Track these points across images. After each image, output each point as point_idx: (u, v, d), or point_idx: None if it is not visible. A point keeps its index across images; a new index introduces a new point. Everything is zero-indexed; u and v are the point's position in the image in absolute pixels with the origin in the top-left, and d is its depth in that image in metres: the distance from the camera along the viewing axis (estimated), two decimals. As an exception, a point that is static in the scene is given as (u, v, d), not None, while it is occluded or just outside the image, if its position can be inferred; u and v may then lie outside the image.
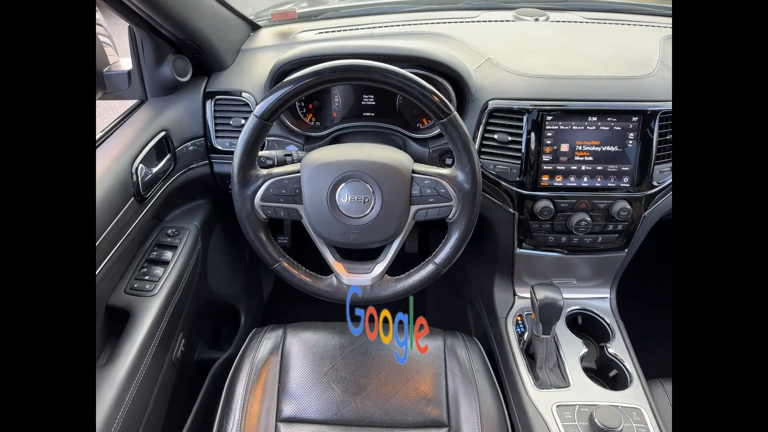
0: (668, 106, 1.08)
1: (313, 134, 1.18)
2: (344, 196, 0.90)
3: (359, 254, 1.02)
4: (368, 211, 0.91)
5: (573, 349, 1.11)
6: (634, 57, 1.16)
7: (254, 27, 1.39)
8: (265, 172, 0.92)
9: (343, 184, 0.90)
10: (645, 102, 1.07)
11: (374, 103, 1.19)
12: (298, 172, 0.91)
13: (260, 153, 1.00)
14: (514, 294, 1.26)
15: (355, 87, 1.18)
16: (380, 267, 0.97)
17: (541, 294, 1.06)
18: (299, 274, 0.97)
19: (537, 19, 1.37)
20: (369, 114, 1.20)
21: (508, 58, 1.16)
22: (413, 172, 0.92)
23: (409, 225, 0.94)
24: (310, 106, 1.19)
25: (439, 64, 1.08)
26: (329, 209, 0.91)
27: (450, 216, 0.93)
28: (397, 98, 1.18)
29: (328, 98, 1.19)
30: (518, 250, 1.20)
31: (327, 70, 0.84)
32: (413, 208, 0.93)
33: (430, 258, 0.97)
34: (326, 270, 0.99)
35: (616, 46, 1.22)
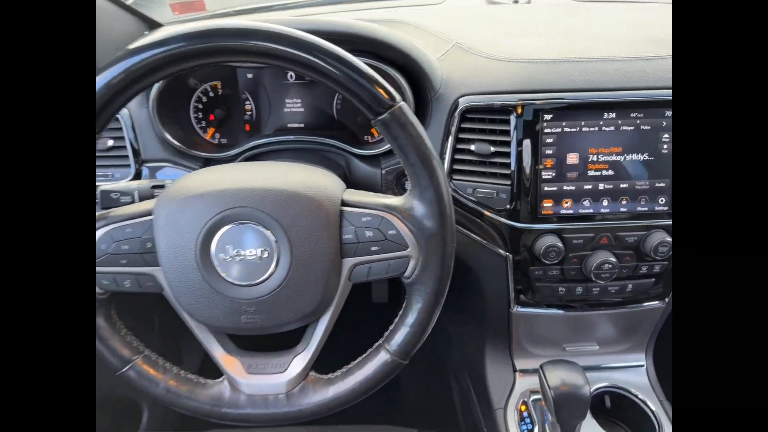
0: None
1: (216, 156, 0.83)
2: (226, 251, 0.54)
3: (268, 340, 0.65)
4: (268, 274, 0.55)
5: None
6: (654, 34, 0.85)
7: (152, 24, 1.06)
8: (100, 214, 0.57)
9: (224, 230, 0.55)
10: (682, 89, 0.75)
11: (302, 109, 0.85)
12: (150, 213, 0.56)
13: (108, 186, 0.64)
14: (515, 370, 0.90)
15: (274, 88, 0.84)
16: (301, 361, 0.61)
17: (556, 378, 0.70)
18: (165, 379, 0.60)
19: (516, 1, 1.07)
20: (296, 125, 0.86)
21: (483, 42, 0.84)
22: (344, 204, 0.57)
23: (344, 291, 0.59)
24: (211, 117, 0.85)
25: (384, 46, 0.75)
26: (201, 273, 0.55)
27: (407, 273, 0.58)
28: (335, 101, 0.85)
29: (236, 105, 0.85)
30: (516, 309, 0.84)
31: (180, 37, 0.50)
32: (347, 263, 0.57)
33: (380, 342, 0.61)
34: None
35: (627, 23, 0.92)
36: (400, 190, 0.82)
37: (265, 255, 0.54)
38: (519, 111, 0.74)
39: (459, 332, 1.04)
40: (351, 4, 1.13)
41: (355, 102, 0.53)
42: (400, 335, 0.59)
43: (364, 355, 0.61)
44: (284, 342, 0.65)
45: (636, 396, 0.87)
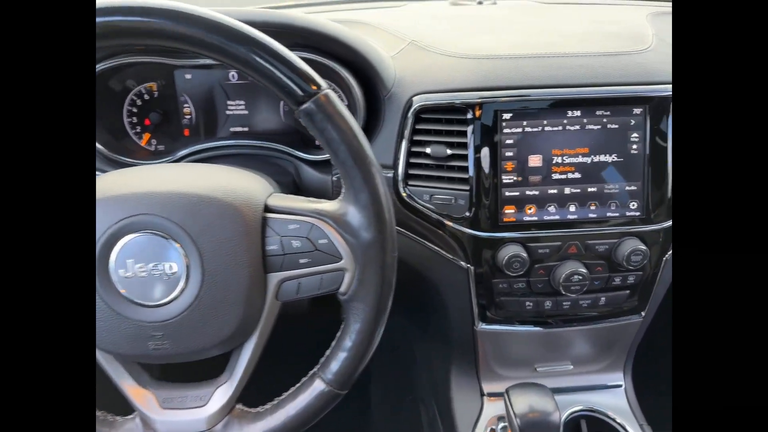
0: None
1: (151, 163, 0.76)
2: (126, 266, 0.47)
3: (195, 370, 0.57)
4: (176, 292, 0.48)
5: None
6: (622, 32, 0.81)
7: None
8: None
9: (123, 241, 0.47)
10: (650, 85, 0.70)
11: (246, 112, 0.79)
12: None
13: None
14: (482, 394, 0.82)
15: (215, 89, 0.77)
16: (224, 393, 0.53)
17: (523, 404, 0.63)
18: None
19: (481, 2, 1.03)
20: (239, 129, 0.79)
21: (440, 40, 0.79)
22: (268, 210, 0.50)
23: (271, 312, 0.51)
24: (147, 122, 0.78)
25: (327, 40, 0.69)
26: (99, 292, 0.47)
27: (343, 289, 0.51)
28: (282, 102, 0.78)
29: (174, 108, 0.78)
30: (480, 326, 0.77)
31: None
32: (273, 279, 0.50)
33: (315, 370, 0.53)
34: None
35: (595, 21, 0.87)
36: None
37: (173, 270, 0.47)
38: (476, 110, 0.68)
39: (426, 353, 0.97)
40: (310, 7, 1.07)
41: (276, 91, 0.46)
42: (336, 362, 0.51)
43: (297, 385, 0.54)
44: (212, 371, 0.57)
45: (614, 420, 0.80)
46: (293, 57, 0.46)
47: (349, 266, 0.50)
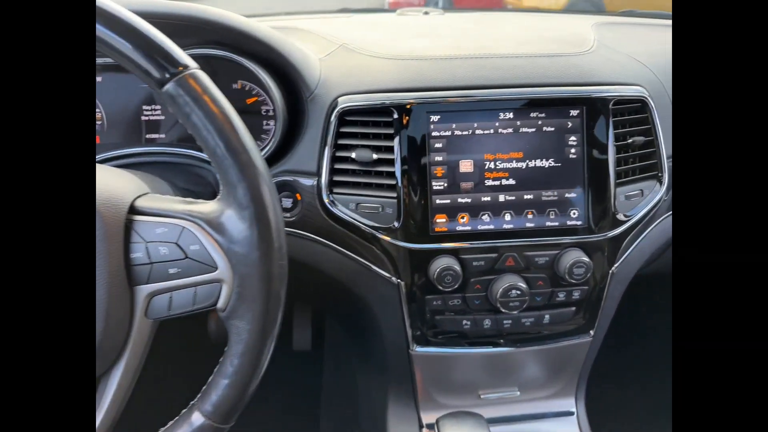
0: (624, 91, 0.67)
1: None
2: None
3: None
4: None
5: None
6: (563, 37, 0.78)
7: None
8: None
9: None
10: (587, 86, 0.66)
11: (162, 117, 0.73)
12: None
13: None
14: (421, 426, 0.75)
15: (128, 92, 0.72)
16: None
17: None
18: None
19: (427, 13, 1.00)
20: (154, 136, 0.73)
21: (373, 42, 0.75)
22: (133, 212, 0.44)
23: (141, 333, 0.44)
24: (52, 126, 0.71)
25: (244, 37, 0.64)
26: None
27: (221, 304, 0.44)
28: None
29: None
30: (416, 349, 0.71)
31: None
32: (141, 293, 0.43)
33: (194, 401, 0.46)
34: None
35: (537, 29, 0.85)
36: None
37: None
38: (403, 111, 0.64)
39: (366, 382, 0.89)
40: (258, 17, 1.04)
41: (134, 71, 0.41)
42: (216, 391, 0.44)
43: (175, 419, 0.46)
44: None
45: (566, 451, 0.73)
46: (154, 32, 0.40)
47: (227, 277, 0.43)
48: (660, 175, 0.69)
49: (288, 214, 0.68)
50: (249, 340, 0.43)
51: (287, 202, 0.68)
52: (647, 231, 0.71)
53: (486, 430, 0.60)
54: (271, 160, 0.68)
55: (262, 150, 0.68)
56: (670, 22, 0.99)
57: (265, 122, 0.71)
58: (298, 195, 0.67)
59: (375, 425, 0.83)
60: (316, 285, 0.81)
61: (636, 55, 0.75)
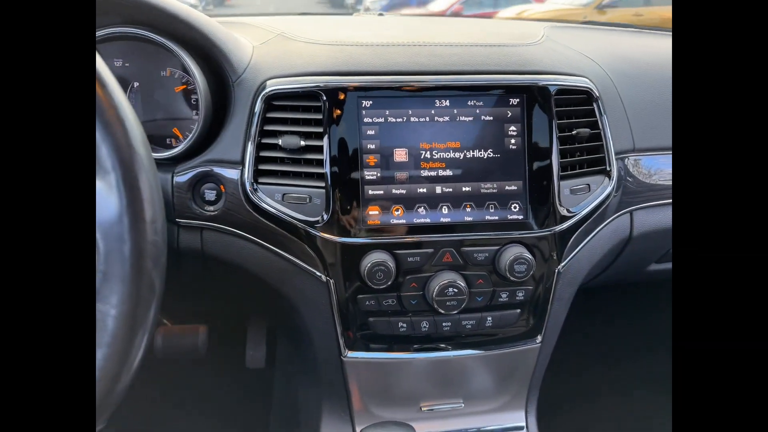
0: (567, 81, 0.64)
1: None
2: None
3: None
4: None
5: None
6: (512, 32, 0.76)
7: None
8: None
9: None
10: (529, 74, 0.63)
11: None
12: None
13: None
14: (354, 438, 0.68)
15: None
16: None
17: None
18: None
19: (382, 14, 0.98)
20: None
21: (311, 31, 0.72)
22: None
23: None
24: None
25: (165, 15, 0.60)
26: None
27: None
28: (127, 94, 0.68)
29: None
30: (348, 354, 0.65)
31: None
32: None
33: None
34: None
35: (487, 29, 0.82)
36: (197, 200, 0.64)
37: None
38: (332, 95, 0.60)
39: (305, 395, 0.82)
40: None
41: None
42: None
43: None
44: None
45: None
46: None
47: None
48: (608, 169, 0.66)
49: (212, 208, 0.63)
50: (114, 329, 0.37)
51: (210, 195, 0.63)
52: (598, 229, 0.68)
53: None
54: (196, 150, 0.64)
55: (185, 140, 0.63)
56: (632, 29, 0.98)
57: (195, 112, 0.66)
58: (222, 186, 0.62)
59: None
60: (240, 288, 0.75)
61: (585, 51, 0.73)
